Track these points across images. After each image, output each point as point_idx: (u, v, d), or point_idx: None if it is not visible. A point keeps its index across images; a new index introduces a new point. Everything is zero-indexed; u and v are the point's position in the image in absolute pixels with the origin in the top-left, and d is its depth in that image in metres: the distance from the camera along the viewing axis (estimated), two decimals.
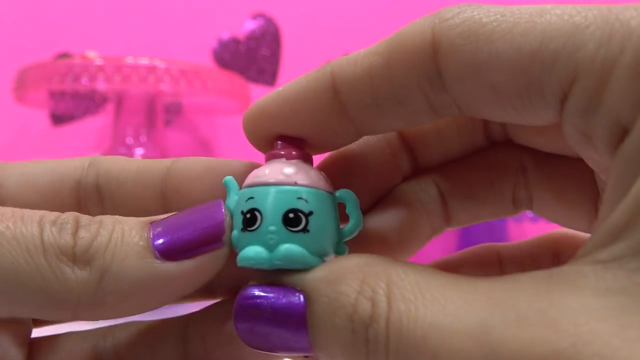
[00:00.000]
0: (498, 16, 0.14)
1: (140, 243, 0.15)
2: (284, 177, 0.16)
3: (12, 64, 0.74)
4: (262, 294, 0.15)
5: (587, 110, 0.13)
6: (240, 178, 0.18)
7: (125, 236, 0.15)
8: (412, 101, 0.15)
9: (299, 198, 0.16)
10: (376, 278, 0.14)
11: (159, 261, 0.15)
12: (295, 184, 0.16)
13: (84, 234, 0.15)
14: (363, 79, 0.16)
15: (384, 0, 0.90)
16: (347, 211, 0.17)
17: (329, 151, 0.19)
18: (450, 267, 0.21)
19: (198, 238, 0.16)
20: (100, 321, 0.17)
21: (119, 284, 0.15)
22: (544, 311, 0.12)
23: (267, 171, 0.17)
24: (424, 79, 0.15)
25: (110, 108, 0.80)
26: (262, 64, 0.90)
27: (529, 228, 0.82)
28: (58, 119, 0.87)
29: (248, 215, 0.16)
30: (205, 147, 0.89)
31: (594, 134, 0.13)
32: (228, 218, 0.16)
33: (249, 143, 0.18)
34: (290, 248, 0.15)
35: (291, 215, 0.16)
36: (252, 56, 0.90)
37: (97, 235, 0.15)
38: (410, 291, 0.13)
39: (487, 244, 0.22)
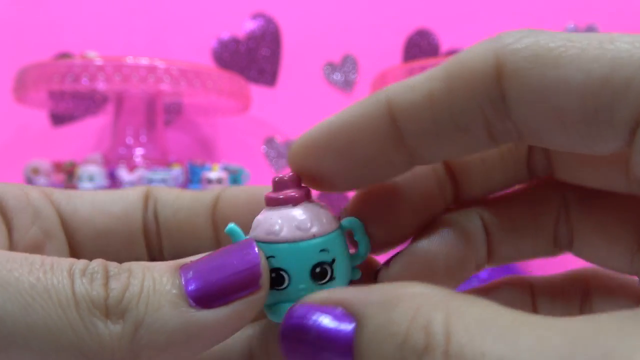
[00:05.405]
0: (565, 41, 0.14)
1: (173, 291, 0.15)
2: (301, 232, 0.16)
3: (12, 64, 0.74)
4: (310, 314, 0.14)
5: None
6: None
7: (157, 284, 0.15)
8: (472, 127, 0.15)
9: (322, 250, 0.16)
10: (433, 308, 0.13)
11: (194, 309, 0.14)
12: (314, 236, 0.16)
13: (115, 285, 0.14)
14: (423, 104, 0.15)
15: (383, 0, 0.90)
16: (355, 238, 0.17)
17: (371, 183, 0.18)
18: (483, 292, 0.20)
19: (234, 283, 0.15)
20: None
21: (153, 336, 0.14)
22: (635, 350, 0.11)
23: (278, 226, 0.16)
24: (487, 103, 0.15)
25: (110, 108, 0.80)
26: (262, 64, 0.90)
27: None
28: (58, 119, 0.87)
29: (273, 275, 0.16)
30: (205, 147, 0.89)
31: None
32: (263, 260, 0.16)
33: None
34: None
35: (317, 269, 0.16)
36: (252, 56, 0.89)
37: (128, 286, 0.14)
38: (474, 324, 0.12)
39: (518, 275, 0.21)
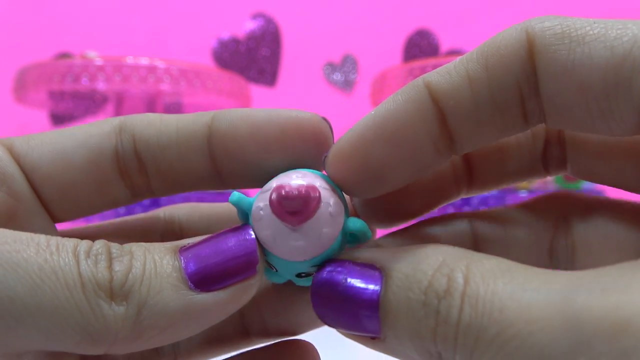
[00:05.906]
0: (589, 22, 0.15)
1: (174, 274, 0.15)
2: (292, 255, 0.16)
3: (12, 64, 0.74)
4: (339, 270, 0.15)
5: None
6: (290, 133, 0.17)
7: (158, 267, 0.15)
8: (510, 104, 0.16)
9: (310, 267, 0.16)
10: (456, 260, 0.14)
11: (193, 292, 0.15)
12: (304, 260, 0.16)
13: (118, 267, 0.15)
14: (462, 85, 0.16)
15: (383, 0, 0.90)
16: (356, 235, 0.17)
17: (415, 178, 0.17)
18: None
19: (232, 267, 0.16)
20: None
21: (155, 317, 0.15)
22: (631, 284, 0.12)
23: (272, 240, 0.16)
24: (522, 77, 0.15)
25: (110, 108, 0.80)
26: (262, 64, 0.90)
27: None
28: (58, 119, 0.87)
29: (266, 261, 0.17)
30: None
31: None
32: (259, 247, 0.16)
33: None
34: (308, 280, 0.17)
35: (303, 274, 0.17)
36: (252, 56, 0.90)
37: (131, 268, 0.15)
38: (490, 271, 0.13)
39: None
